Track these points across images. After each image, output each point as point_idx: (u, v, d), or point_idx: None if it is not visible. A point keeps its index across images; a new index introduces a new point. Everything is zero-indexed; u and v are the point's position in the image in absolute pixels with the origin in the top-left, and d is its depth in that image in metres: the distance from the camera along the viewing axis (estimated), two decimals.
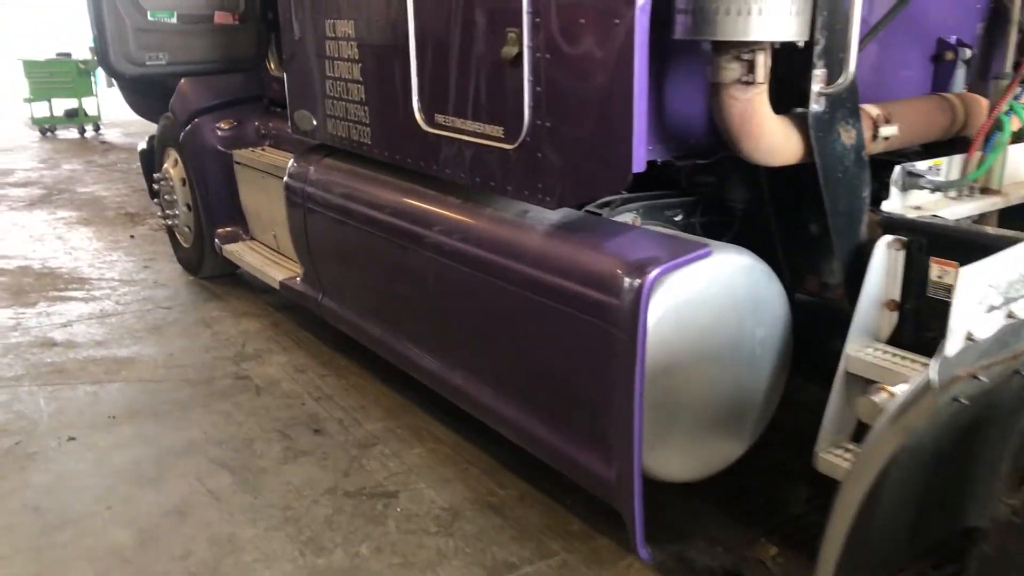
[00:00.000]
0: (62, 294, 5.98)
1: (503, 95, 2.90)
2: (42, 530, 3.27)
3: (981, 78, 3.44)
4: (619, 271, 2.56)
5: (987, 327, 1.80)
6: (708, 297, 2.64)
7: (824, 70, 2.55)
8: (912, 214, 2.75)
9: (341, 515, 3.32)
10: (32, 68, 13.67)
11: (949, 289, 2.50)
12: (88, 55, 13.42)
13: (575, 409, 2.93)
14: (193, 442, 3.90)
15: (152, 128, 6.36)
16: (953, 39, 3.33)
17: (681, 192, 3.32)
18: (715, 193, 3.29)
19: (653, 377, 2.53)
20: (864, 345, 2.63)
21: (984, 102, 3.14)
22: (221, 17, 4.77)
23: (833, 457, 2.64)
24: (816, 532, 2.97)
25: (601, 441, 2.76)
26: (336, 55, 3.83)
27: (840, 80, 2.56)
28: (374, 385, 4.42)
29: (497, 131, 2.97)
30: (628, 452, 2.54)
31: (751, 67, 2.48)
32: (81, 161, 11.55)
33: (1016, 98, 2.92)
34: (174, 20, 4.62)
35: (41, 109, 13.83)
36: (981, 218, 2.97)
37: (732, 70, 2.50)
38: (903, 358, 2.55)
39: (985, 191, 3.00)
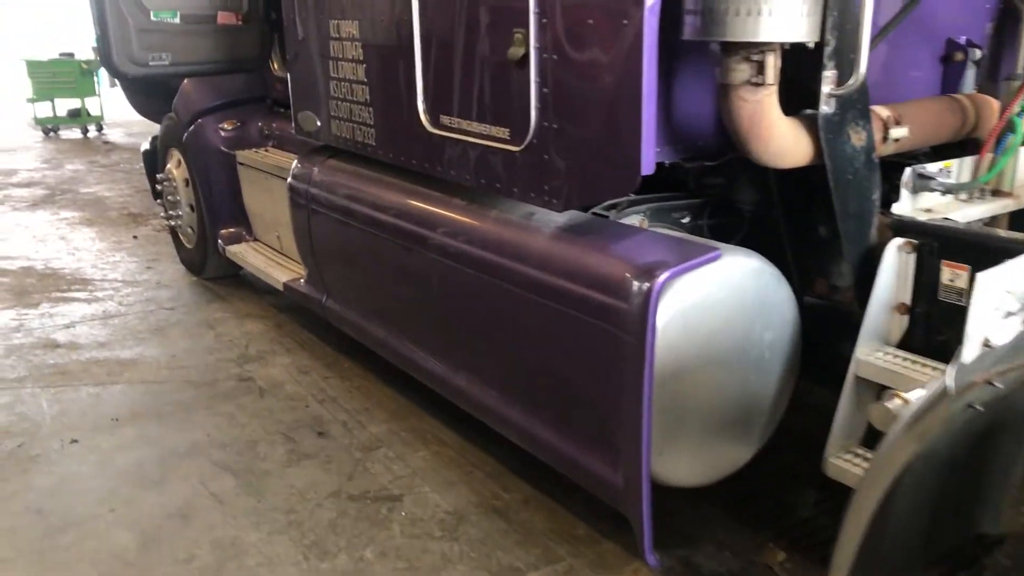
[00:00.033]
0: (65, 295, 5.96)
1: (509, 96, 2.88)
2: (44, 533, 3.25)
3: (991, 79, 3.42)
4: (628, 274, 2.53)
5: (1004, 333, 1.77)
6: (717, 300, 2.62)
7: (834, 71, 2.53)
8: (923, 217, 2.72)
9: (345, 519, 3.30)
10: (35, 68, 13.68)
11: (961, 293, 2.48)
12: (91, 55, 13.41)
13: (581, 413, 2.91)
14: (196, 444, 3.88)
15: (155, 128, 6.35)
16: (963, 39, 3.31)
17: (688, 194, 3.29)
18: (723, 195, 3.27)
19: (661, 381, 2.50)
20: (874, 349, 2.60)
21: (995, 103, 3.12)
22: (224, 17, 4.75)
23: (843, 462, 2.62)
24: (824, 537, 2.99)
25: (608, 445, 2.74)
26: (340, 56, 3.81)
27: (851, 81, 2.53)
28: (378, 387, 4.40)
29: (503, 133, 2.95)
30: (636, 457, 2.52)
31: (761, 68, 2.46)
32: (84, 161, 11.55)
33: None
34: (177, 20, 4.60)
35: (44, 109, 13.84)
36: (992, 221, 2.95)
37: (742, 71, 2.47)
38: (914, 362, 2.52)
39: (996, 193, 2.97)
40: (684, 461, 2.75)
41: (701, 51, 2.68)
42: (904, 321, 2.63)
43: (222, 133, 5.55)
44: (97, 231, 7.71)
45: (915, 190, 2.80)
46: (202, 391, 4.43)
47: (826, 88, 2.54)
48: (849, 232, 2.74)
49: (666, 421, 2.59)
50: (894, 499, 1.86)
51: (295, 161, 4.48)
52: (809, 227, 2.96)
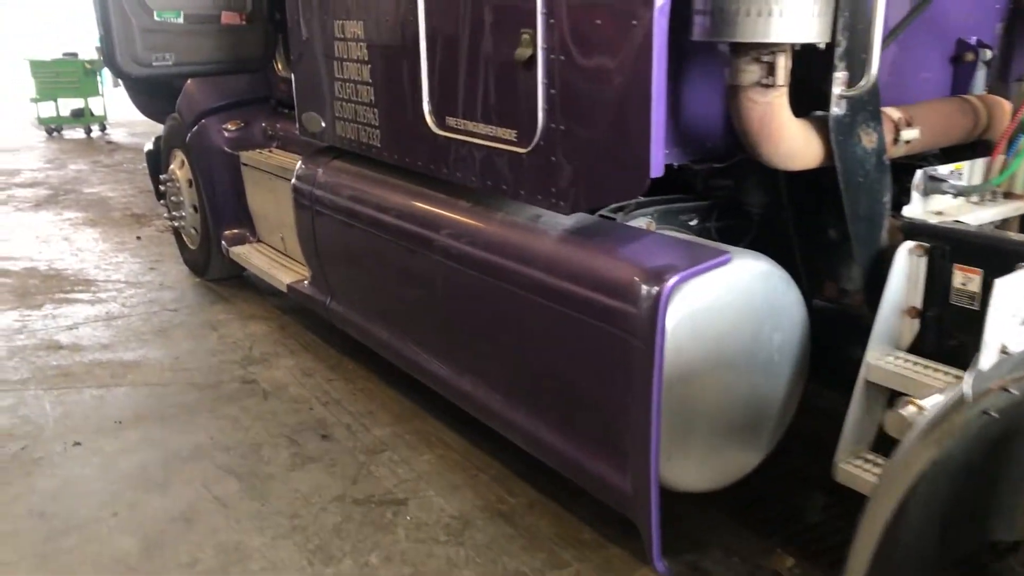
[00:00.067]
0: (68, 296, 5.94)
1: (516, 98, 2.85)
2: (47, 536, 3.23)
3: (1001, 79, 3.39)
4: (636, 278, 2.51)
5: (1022, 339, 1.75)
6: (726, 304, 2.59)
7: (845, 72, 2.50)
8: (934, 219, 2.69)
9: (350, 523, 3.28)
10: (39, 68, 13.67)
11: (973, 297, 2.46)
12: (94, 55, 13.41)
13: (588, 417, 2.88)
14: (200, 447, 3.86)
15: (158, 128, 6.33)
16: (973, 40, 3.27)
17: (696, 196, 3.27)
18: (731, 197, 3.24)
19: (669, 385, 2.48)
20: (885, 353, 2.58)
21: (1006, 104, 3.09)
22: (228, 17, 4.73)
23: (853, 468, 2.59)
24: (833, 542, 2.97)
25: (616, 450, 2.71)
26: (345, 56, 3.79)
27: (862, 82, 2.51)
28: (382, 389, 4.38)
29: (510, 134, 2.92)
30: (644, 462, 2.49)
31: (771, 69, 2.43)
32: (87, 161, 11.54)
33: None
34: (181, 20, 4.59)
35: (47, 109, 13.82)
36: (1004, 223, 2.92)
37: (752, 72, 2.45)
38: (925, 367, 2.50)
39: (1008, 196, 2.93)
40: (692, 466, 2.72)
41: (710, 52, 2.65)
42: (915, 325, 2.60)
43: (226, 134, 5.53)
44: (100, 232, 7.70)
45: (926, 192, 2.77)
46: (206, 393, 4.41)
47: (837, 89, 2.51)
48: (859, 235, 2.71)
49: (674, 426, 2.56)
50: (908, 507, 1.84)
51: (299, 162, 4.46)
52: (818, 229, 2.93)
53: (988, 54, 3.28)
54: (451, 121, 3.20)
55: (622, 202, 3.00)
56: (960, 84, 3.31)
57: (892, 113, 2.77)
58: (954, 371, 2.44)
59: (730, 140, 2.72)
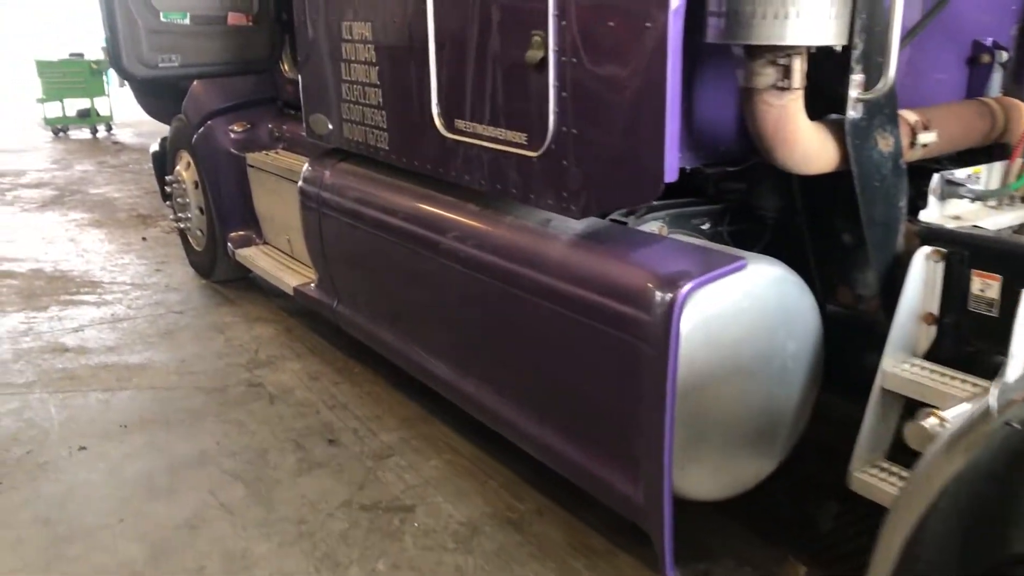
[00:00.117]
0: (73, 298, 5.92)
1: (527, 100, 2.81)
2: (52, 543, 3.21)
3: (1016, 82, 3.34)
4: (650, 284, 2.47)
5: None
6: (739, 310, 2.55)
7: (862, 75, 2.45)
8: (951, 224, 2.65)
9: (357, 530, 3.24)
10: (45, 68, 13.69)
11: (991, 303, 2.42)
12: (100, 55, 13.41)
13: (599, 425, 2.84)
14: (206, 452, 3.83)
15: (164, 129, 6.31)
16: (989, 41, 3.23)
17: (708, 200, 3.22)
18: (744, 201, 3.20)
19: (683, 393, 2.43)
20: (901, 361, 2.54)
21: (1023, 107, 3.04)
22: (234, 18, 4.70)
23: (868, 476, 2.55)
24: (847, 551, 2.93)
25: (627, 459, 2.67)
26: (352, 58, 3.75)
27: (879, 85, 2.45)
28: (389, 393, 4.35)
29: (520, 137, 2.89)
30: (658, 472, 2.45)
31: (787, 72, 2.39)
32: (93, 162, 11.54)
33: None
34: (187, 21, 4.55)
35: (54, 109, 13.85)
36: (1022, 228, 2.87)
37: (767, 75, 2.40)
38: (942, 375, 2.46)
39: None
40: (706, 474, 2.69)
41: (724, 54, 2.61)
42: (932, 332, 2.56)
43: (232, 135, 5.51)
44: (106, 233, 7.68)
45: (943, 197, 2.73)
46: (212, 397, 4.38)
47: (854, 92, 2.46)
48: (875, 240, 2.67)
49: (687, 434, 2.52)
50: (929, 520, 1.80)
51: (306, 164, 4.43)
52: (833, 234, 2.88)
53: (1004, 56, 3.24)
54: (460, 124, 3.17)
55: (634, 206, 2.96)
56: (975, 86, 3.27)
57: (909, 116, 2.73)
58: (972, 379, 2.40)
59: (744, 143, 2.68)
